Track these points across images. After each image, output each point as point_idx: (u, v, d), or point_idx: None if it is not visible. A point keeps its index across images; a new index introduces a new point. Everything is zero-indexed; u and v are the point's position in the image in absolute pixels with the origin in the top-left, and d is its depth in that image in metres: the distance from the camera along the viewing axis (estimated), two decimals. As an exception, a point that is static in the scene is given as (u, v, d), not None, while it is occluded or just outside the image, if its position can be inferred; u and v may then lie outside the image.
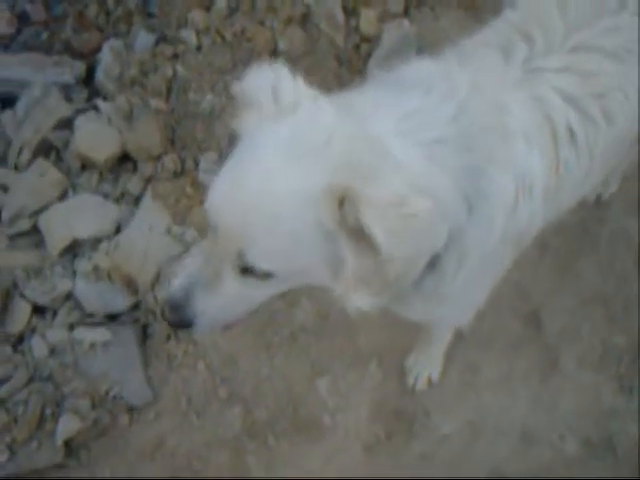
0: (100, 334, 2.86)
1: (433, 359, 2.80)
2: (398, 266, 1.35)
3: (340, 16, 3.32)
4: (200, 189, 3.03)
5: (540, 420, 2.80)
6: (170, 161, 3.08)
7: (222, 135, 3.08)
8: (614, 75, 1.67)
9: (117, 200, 3.11)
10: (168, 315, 1.55)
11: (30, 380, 2.79)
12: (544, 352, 2.89)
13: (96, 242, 3.00)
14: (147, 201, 3.03)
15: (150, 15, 3.51)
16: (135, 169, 3.16)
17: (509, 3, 1.82)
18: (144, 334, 2.97)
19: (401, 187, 1.30)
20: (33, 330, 2.90)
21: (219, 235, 1.43)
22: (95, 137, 3.08)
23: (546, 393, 2.84)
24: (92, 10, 3.56)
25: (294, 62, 3.16)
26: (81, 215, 3.00)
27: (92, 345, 2.85)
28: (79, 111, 3.20)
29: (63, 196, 3.11)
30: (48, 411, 2.73)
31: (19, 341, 2.90)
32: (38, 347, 2.84)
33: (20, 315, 2.89)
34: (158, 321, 2.94)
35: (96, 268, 2.91)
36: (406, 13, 3.47)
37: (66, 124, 3.17)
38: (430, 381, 2.83)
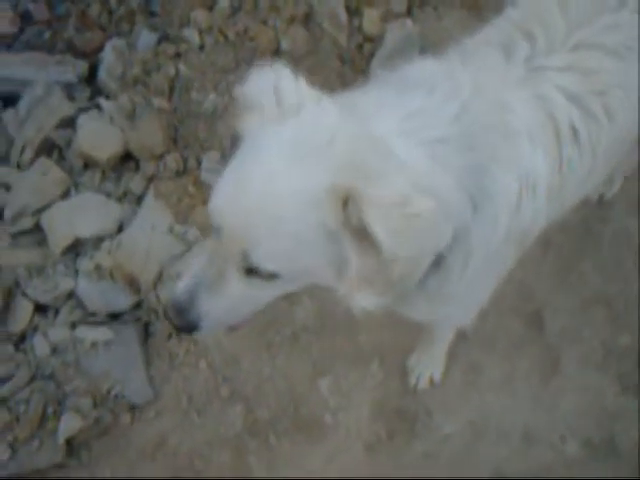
0: (102, 333, 2.87)
1: (435, 359, 2.80)
2: (402, 266, 1.35)
3: (343, 15, 3.32)
4: (202, 188, 3.03)
5: (541, 420, 2.79)
6: (172, 160, 3.08)
7: (224, 134, 3.08)
8: (615, 72, 1.67)
9: (119, 199, 3.11)
10: (173, 318, 1.54)
11: (32, 379, 2.80)
12: (546, 352, 2.89)
13: (98, 241, 3.00)
14: (149, 200, 3.03)
15: (152, 14, 3.51)
16: (137, 168, 3.16)
17: (510, 1, 1.82)
18: (146, 333, 2.97)
19: (404, 187, 1.30)
20: (35, 329, 2.90)
21: (223, 236, 1.42)
22: (97, 136, 3.08)
23: (548, 393, 2.84)
24: (95, 9, 3.56)
25: (297, 62, 3.17)
26: (83, 214, 3.00)
27: (94, 344, 2.85)
28: (81, 110, 3.21)
29: (65, 195, 3.11)
30: (50, 410, 2.73)
31: (21, 340, 2.90)
32: (40, 346, 2.84)
33: (22, 314, 2.89)
34: (160, 320, 2.94)
35: (98, 267, 2.91)
36: (409, 13, 3.46)
37: (68, 123, 3.18)
38: (432, 381, 2.83)
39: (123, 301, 2.93)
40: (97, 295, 2.90)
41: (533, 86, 1.60)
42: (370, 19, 3.35)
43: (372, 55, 3.34)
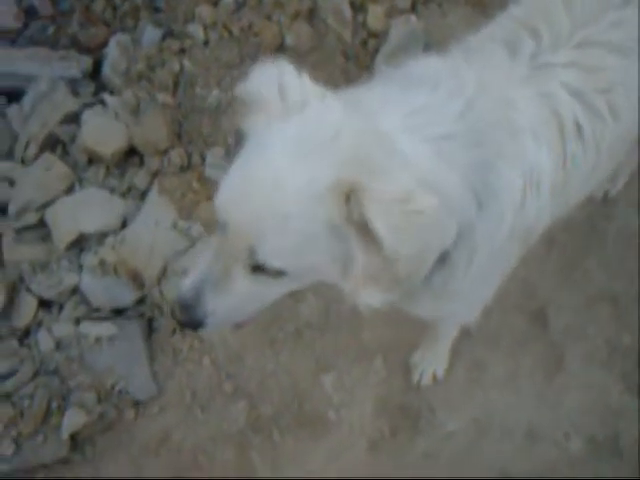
0: (106, 328, 2.87)
1: (439, 356, 2.80)
2: (406, 263, 1.34)
3: (347, 11, 3.31)
4: (206, 184, 3.03)
5: (545, 418, 2.79)
6: (177, 156, 3.08)
7: (229, 130, 3.08)
8: (619, 70, 1.67)
9: (123, 194, 3.11)
10: (179, 315, 1.54)
11: (36, 374, 2.81)
12: (550, 350, 2.89)
13: (102, 236, 3.00)
14: (153, 195, 3.03)
15: (157, 10, 3.52)
16: (142, 163, 3.16)
17: (514, -2, 1.81)
18: (150, 328, 2.97)
19: (408, 183, 1.30)
20: (39, 324, 2.91)
21: (229, 233, 1.42)
22: (102, 131, 3.08)
23: (552, 391, 2.83)
24: (99, 4, 3.56)
25: (301, 57, 3.16)
26: (87, 209, 3.00)
27: (98, 339, 2.86)
28: (86, 105, 3.21)
29: (70, 190, 3.11)
30: (54, 405, 2.74)
31: (25, 335, 2.91)
32: (44, 341, 2.85)
33: (26, 309, 2.90)
34: (164, 316, 2.95)
35: (102, 262, 2.91)
36: (413, 9, 3.46)
37: (73, 118, 3.18)
38: (435, 378, 2.83)
39: (127, 296, 2.93)
40: (101, 290, 2.90)
41: (537, 83, 1.60)
42: (374, 15, 3.35)
43: (376, 51, 3.33)
